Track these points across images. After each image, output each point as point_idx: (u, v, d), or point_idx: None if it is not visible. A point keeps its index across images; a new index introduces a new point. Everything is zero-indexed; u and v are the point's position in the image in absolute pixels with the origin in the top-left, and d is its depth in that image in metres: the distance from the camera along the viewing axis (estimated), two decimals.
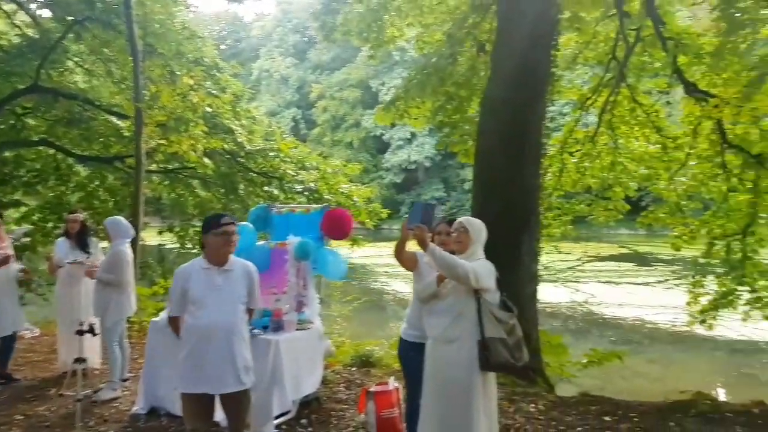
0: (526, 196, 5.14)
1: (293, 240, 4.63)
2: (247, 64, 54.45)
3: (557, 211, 9.87)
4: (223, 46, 56.08)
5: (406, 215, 3.15)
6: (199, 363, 3.08)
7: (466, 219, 3.32)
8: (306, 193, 9.19)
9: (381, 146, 52.95)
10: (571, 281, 19.21)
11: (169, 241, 11.69)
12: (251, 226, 4.92)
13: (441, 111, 7.89)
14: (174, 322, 3.26)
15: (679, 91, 8.35)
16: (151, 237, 11.13)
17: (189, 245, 10.74)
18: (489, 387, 3.10)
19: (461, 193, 42.97)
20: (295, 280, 4.58)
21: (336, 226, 4.68)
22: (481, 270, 3.08)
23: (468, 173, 36.40)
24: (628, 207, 9.79)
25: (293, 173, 9.58)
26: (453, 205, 46.83)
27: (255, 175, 9.92)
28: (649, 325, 12.96)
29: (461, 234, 3.25)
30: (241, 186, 10.19)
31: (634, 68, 8.13)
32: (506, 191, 5.11)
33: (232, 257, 3.25)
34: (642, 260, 24.77)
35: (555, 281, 18.95)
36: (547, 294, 15.50)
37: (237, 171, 9.81)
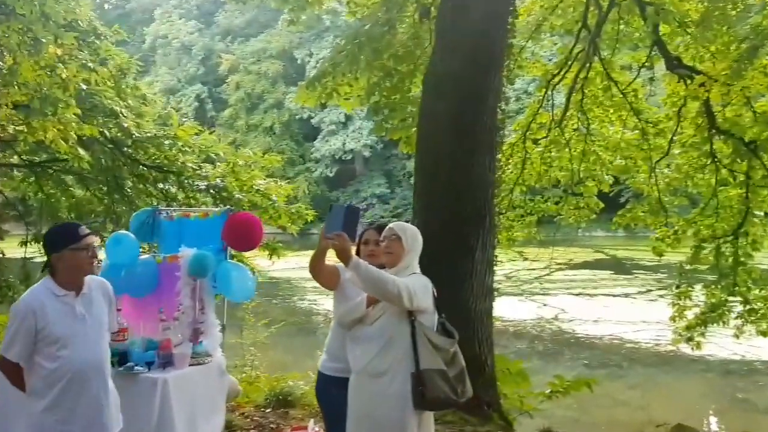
0: (480, 192, 5.16)
1: (187, 252, 4.53)
2: (137, 28, 53.04)
3: (519, 210, 10.06)
4: (107, 6, 54.26)
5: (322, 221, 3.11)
6: (68, 417, 3.06)
7: (397, 224, 3.35)
8: (212, 191, 8.95)
9: (309, 132, 52.97)
10: (538, 294, 19.73)
11: (37, 253, 11.20)
12: (133, 235, 4.81)
13: (377, 89, 7.86)
14: (13, 370, 3.10)
15: (660, 67, 8.67)
16: (11, 249, 10.61)
17: None
18: (426, 428, 3.15)
19: (408, 189, 43.55)
20: (190, 303, 4.48)
21: (241, 233, 4.61)
22: (416, 286, 3.10)
23: None
24: (602, 205, 10.11)
25: (195, 166, 9.31)
26: (398, 204, 47.50)
27: (146, 169, 9.58)
28: (629, 345, 13.45)
29: (392, 242, 3.27)
30: (129, 183, 9.84)
31: (608, 39, 8.37)
32: (454, 187, 5.13)
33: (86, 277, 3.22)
34: (620, 267, 25.78)
35: (519, 294, 19.40)
36: (509, 310, 15.82)
37: (123, 164, 9.44)
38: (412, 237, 3.30)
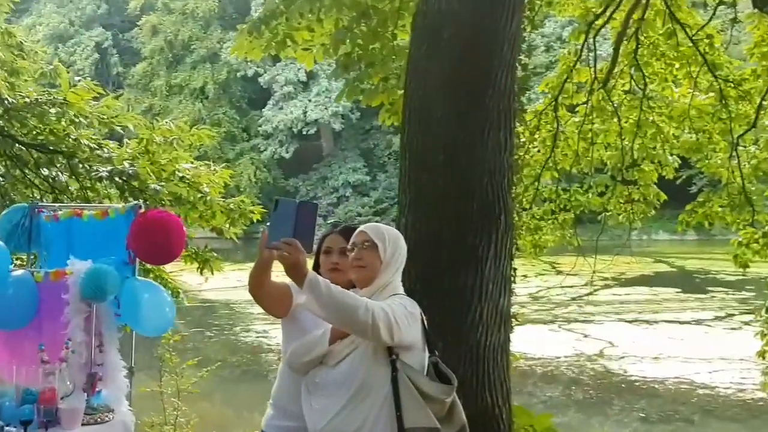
0: (491, 181, 5.15)
1: (79, 266, 4.48)
2: None
3: (550, 206, 10.11)
4: None
5: (266, 225, 3.12)
6: None
7: (371, 226, 3.35)
8: (117, 179, 8.90)
9: (256, 96, 52.95)
10: (577, 321, 19.83)
11: None
12: (1, 243, 4.74)
13: (348, 36, 7.83)
14: None
15: (745, 4, 8.73)
16: None
17: None
18: None
19: (395, 176, 43.69)
20: (83, 338, 4.43)
21: (154, 239, 4.60)
22: (398, 313, 3.10)
23: None
24: (664, 196, 10.17)
25: (93, 145, 9.25)
26: (381, 196, 47.64)
27: (24, 148, 9.51)
28: (701, 391, 13.58)
29: (365, 252, 3.27)
30: (1, 167, 9.75)
31: None
32: (456, 174, 5.11)
33: None
34: (690, 283, 26.01)
35: (549, 322, 19.48)
36: (536, 343, 15.86)
37: None
38: (393, 244, 3.31)
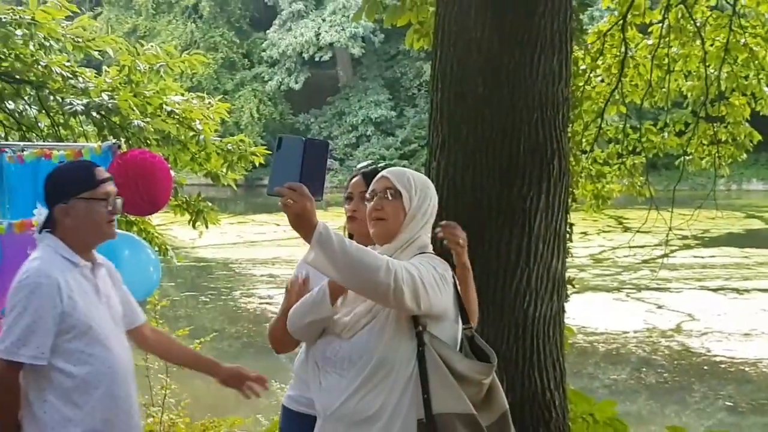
0: (541, 117, 5.14)
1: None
2: None
3: (615, 148, 10.05)
4: None
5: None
6: None
7: (395, 171, 3.35)
8: (95, 113, 8.97)
9: (260, 15, 52.66)
10: (649, 288, 19.78)
11: None
12: None
13: None
14: (13, 384, 3.46)
15: None
16: None
17: None
18: None
19: (424, 112, 43.54)
20: None
21: (135, 185, 4.68)
22: (426, 275, 3.11)
23: None
24: (758, 137, 10.08)
25: (67, 73, 9.31)
26: (409, 136, 47.38)
27: None
28: None
29: (386, 201, 3.30)
30: None
31: None
32: (498, 108, 5.10)
33: None
34: None
35: (615, 290, 19.45)
36: (598, 315, 15.99)
37: None
38: (421, 193, 3.32)
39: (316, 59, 49.66)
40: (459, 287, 3.30)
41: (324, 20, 49.07)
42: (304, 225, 2.94)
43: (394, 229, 3.27)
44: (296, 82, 50.22)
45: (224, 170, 9.15)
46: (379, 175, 3.37)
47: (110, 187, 3.66)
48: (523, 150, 5.08)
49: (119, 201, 3.69)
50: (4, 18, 9.20)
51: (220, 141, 9.20)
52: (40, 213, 4.56)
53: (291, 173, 2.96)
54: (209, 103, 9.49)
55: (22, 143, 6.24)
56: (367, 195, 3.36)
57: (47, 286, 3.44)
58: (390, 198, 3.28)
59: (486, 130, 5.10)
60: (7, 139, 8.48)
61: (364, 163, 3.92)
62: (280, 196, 2.92)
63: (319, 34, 48.80)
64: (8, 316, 3.47)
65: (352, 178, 3.75)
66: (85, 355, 3.48)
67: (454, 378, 3.11)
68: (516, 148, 5.08)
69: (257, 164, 9.35)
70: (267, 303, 18.06)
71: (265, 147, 9.53)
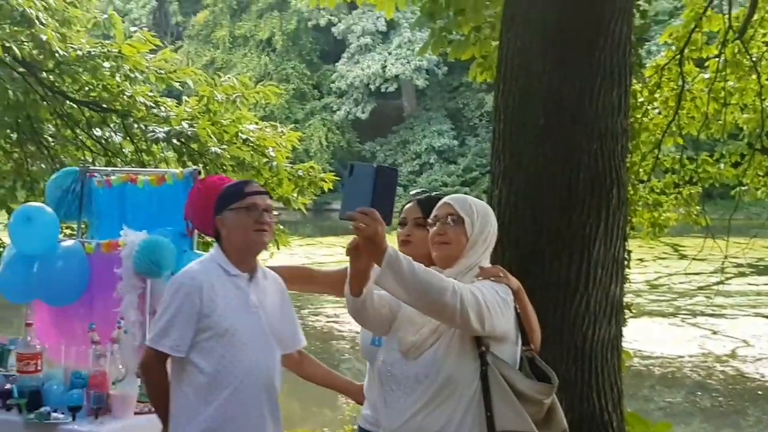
0: (601, 148, 5.09)
1: (132, 237, 4.62)
2: None
3: (672, 177, 9.92)
4: None
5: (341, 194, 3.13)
6: None
7: (458, 198, 3.35)
8: (175, 141, 9.09)
9: (329, 48, 52.89)
10: (704, 314, 19.45)
11: None
12: (50, 209, 4.93)
13: None
14: (159, 369, 3.70)
15: None
16: None
17: None
18: None
19: (486, 141, 43.30)
20: (137, 317, 4.59)
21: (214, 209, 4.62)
22: (491, 299, 3.10)
23: None
24: None
25: (150, 103, 9.46)
26: (471, 164, 47.10)
27: (75, 106, 9.78)
28: None
29: (449, 227, 3.29)
30: (50, 127, 10.03)
31: None
32: (559, 138, 5.08)
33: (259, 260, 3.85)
34: None
35: (671, 315, 19.14)
36: (654, 340, 15.69)
37: (40, 98, 9.66)
38: (483, 219, 3.30)
39: (382, 90, 49.77)
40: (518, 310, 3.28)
41: (390, 53, 49.19)
42: (374, 248, 2.93)
43: (456, 254, 3.26)
44: (363, 112, 50.32)
45: (295, 195, 9.20)
46: (442, 201, 3.35)
47: (258, 199, 3.77)
48: (583, 179, 5.04)
49: (269, 212, 3.78)
50: (94, 51, 9.40)
51: (292, 167, 9.24)
52: (126, 234, 4.68)
53: (362, 198, 2.94)
54: (281, 131, 9.56)
55: (109, 168, 6.33)
56: (429, 220, 3.35)
57: (189, 287, 3.62)
58: (452, 224, 3.27)
59: (547, 160, 5.06)
60: (94, 164, 8.61)
61: (417, 190, 3.93)
62: (352, 220, 2.91)
63: (386, 66, 48.92)
64: (159, 309, 3.78)
65: (406, 204, 3.75)
66: (219, 356, 3.59)
67: (516, 397, 3.08)
68: (576, 177, 5.03)
69: (326, 189, 9.38)
70: (334, 321, 18.03)
71: (333, 173, 9.57)
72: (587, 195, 5.07)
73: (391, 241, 3.14)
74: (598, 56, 5.08)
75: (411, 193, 3.85)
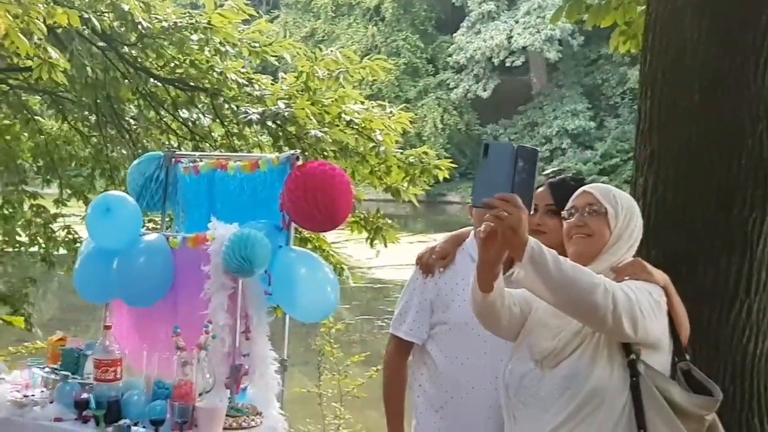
0: (766, 131, 4.96)
1: (222, 231, 4.65)
2: None
3: None
4: None
5: (470, 178, 3.09)
6: None
7: (600, 187, 3.36)
8: (270, 123, 9.17)
9: (447, 17, 52.83)
10: None
11: None
12: (132, 199, 5.03)
13: None
14: (398, 356, 4.05)
15: None
16: None
17: (23, 238, 11.03)
18: None
19: (629, 123, 42.76)
20: (227, 320, 4.61)
21: (315, 200, 4.68)
22: (644, 300, 3.07)
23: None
24: None
25: (242, 80, 9.56)
26: (610, 149, 46.56)
27: (159, 84, 9.96)
28: None
29: (590, 218, 3.29)
30: (132, 108, 10.21)
31: None
32: (715, 119, 4.93)
33: None
34: None
35: None
36: None
37: (122, 76, 9.86)
38: (628, 212, 3.32)
39: (507, 64, 49.46)
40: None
41: (517, 22, 48.81)
42: (516, 240, 2.90)
43: (597, 249, 3.27)
44: (484, 90, 50.13)
45: (405, 185, 9.18)
46: (581, 190, 3.35)
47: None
48: (745, 166, 4.88)
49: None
50: (180, 22, 9.52)
51: (402, 153, 9.22)
52: (215, 227, 4.70)
53: (501, 183, 2.94)
54: (390, 112, 9.54)
55: (197, 153, 6.40)
56: (564, 213, 3.35)
57: (419, 275, 3.94)
58: (593, 215, 3.27)
59: (701, 144, 4.94)
60: (180, 149, 8.74)
61: (549, 171, 3.86)
62: (490, 208, 2.88)
63: (511, 36, 48.58)
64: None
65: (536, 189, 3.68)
66: (457, 350, 3.78)
67: (674, 413, 3.08)
68: (736, 164, 4.88)
69: (441, 178, 9.33)
70: None
71: (449, 160, 9.52)
72: (750, 185, 4.91)
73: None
74: (764, 22, 4.93)
75: (543, 172, 3.77)
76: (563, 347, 3.16)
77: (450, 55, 51.42)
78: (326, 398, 7.92)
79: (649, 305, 3.08)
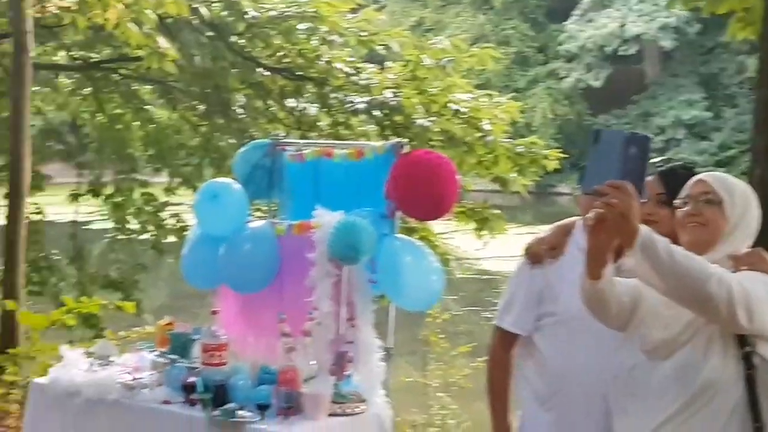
0: None
1: (327, 218, 4.69)
2: None
3: None
4: None
5: (581, 169, 3.10)
6: None
7: (716, 176, 3.28)
8: (376, 112, 9.22)
9: (558, 5, 52.26)
10: None
11: (97, 213, 12.38)
12: (239, 186, 5.11)
13: None
14: (501, 350, 3.97)
15: None
16: (56, 206, 11.63)
17: (135, 224, 11.36)
18: None
19: (747, 113, 41.74)
20: (331, 308, 4.64)
21: (421, 189, 4.70)
22: (760, 291, 3.02)
23: None
24: None
25: (349, 69, 9.63)
26: (727, 139, 45.57)
27: (268, 73, 10.07)
28: None
29: (705, 207, 3.22)
30: (240, 98, 10.40)
31: None
32: None
33: None
34: None
35: None
36: None
37: (231, 65, 10.01)
38: (744, 203, 3.26)
39: (620, 53, 48.59)
40: None
41: (630, 9, 48.02)
42: (627, 228, 2.89)
43: (712, 239, 3.20)
44: (596, 79, 49.39)
45: (514, 175, 9.15)
46: (695, 178, 3.29)
47: None
48: None
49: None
50: (288, 12, 9.62)
51: (510, 143, 9.20)
52: (320, 215, 4.74)
53: (612, 170, 2.93)
54: (499, 101, 9.53)
55: (302, 141, 6.47)
56: (678, 201, 3.28)
57: (527, 266, 3.84)
58: (707, 203, 3.21)
59: None
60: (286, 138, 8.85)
61: (659, 159, 3.81)
62: (600, 195, 2.88)
63: (625, 24, 47.77)
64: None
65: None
66: (565, 342, 3.70)
67: None
68: None
69: (550, 169, 9.28)
70: None
71: (559, 150, 9.46)
72: None
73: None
74: None
75: (655, 163, 3.72)
76: (675, 338, 3.12)
77: (561, 44, 50.77)
78: (432, 389, 7.91)
79: (766, 296, 3.02)
